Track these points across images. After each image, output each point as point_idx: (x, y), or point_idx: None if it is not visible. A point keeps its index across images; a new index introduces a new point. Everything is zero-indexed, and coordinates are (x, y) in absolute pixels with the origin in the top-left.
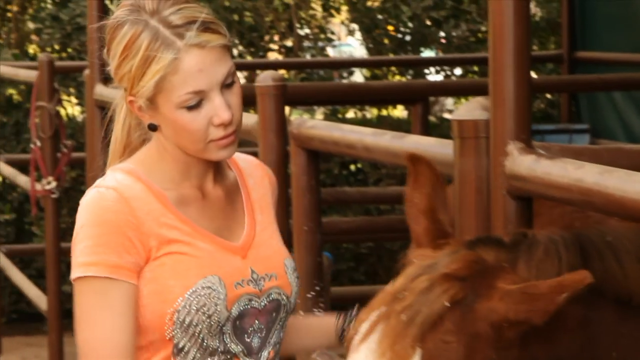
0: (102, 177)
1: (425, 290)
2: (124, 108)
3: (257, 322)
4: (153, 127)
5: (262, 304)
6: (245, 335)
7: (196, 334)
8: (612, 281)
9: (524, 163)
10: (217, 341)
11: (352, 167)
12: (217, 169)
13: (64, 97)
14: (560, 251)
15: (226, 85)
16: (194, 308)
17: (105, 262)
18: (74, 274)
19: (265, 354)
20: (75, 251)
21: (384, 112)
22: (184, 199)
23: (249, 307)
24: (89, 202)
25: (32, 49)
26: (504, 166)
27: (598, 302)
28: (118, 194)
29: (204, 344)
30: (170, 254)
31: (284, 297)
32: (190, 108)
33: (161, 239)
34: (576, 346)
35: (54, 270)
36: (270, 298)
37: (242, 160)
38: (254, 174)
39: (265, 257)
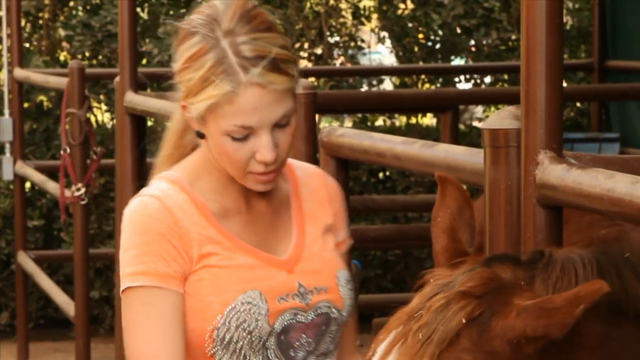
0: (147, 186)
1: (441, 308)
2: (178, 109)
3: (304, 336)
4: (201, 135)
5: (310, 318)
6: (291, 350)
7: (237, 350)
8: (631, 298)
9: (555, 172)
10: (260, 357)
11: (381, 174)
12: None
13: (94, 104)
14: (578, 269)
15: (280, 124)
16: (234, 325)
17: (154, 271)
18: (123, 284)
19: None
20: (122, 261)
21: (413, 120)
22: (227, 211)
23: (294, 321)
24: (132, 211)
25: (62, 55)
26: (534, 175)
27: (617, 319)
28: (161, 203)
29: (246, 359)
30: (210, 267)
31: (335, 311)
32: (236, 139)
33: (202, 251)
34: (596, 358)
35: (82, 276)
36: (319, 312)
37: (301, 169)
38: (310, 184)
39: (315, 271)
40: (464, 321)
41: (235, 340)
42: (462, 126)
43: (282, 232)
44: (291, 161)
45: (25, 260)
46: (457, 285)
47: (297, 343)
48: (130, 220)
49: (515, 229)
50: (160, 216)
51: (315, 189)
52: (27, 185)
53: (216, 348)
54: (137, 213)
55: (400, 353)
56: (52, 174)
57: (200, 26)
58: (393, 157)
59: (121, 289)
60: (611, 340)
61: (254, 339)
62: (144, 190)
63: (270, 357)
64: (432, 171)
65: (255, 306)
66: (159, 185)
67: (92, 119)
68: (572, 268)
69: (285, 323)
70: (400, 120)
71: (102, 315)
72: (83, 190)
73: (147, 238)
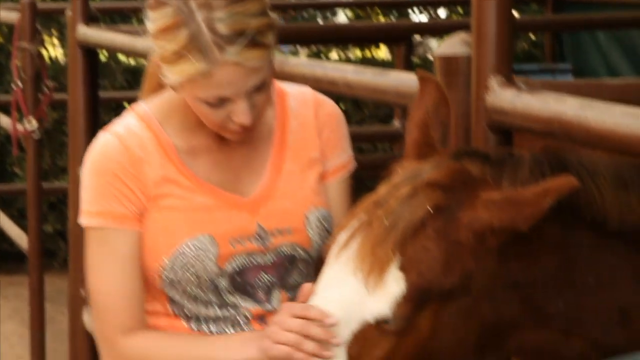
0: (119, 118)
1: (408, 197)
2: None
3: (263, 274)
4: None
5: (269, 259)
6: (249, 287)
7: (185, 290)
8: (590, 204)
9: (505, 97)
10: (211, 295)
11: None
12: None
13: (46, 38)
14: (545, 171)
15: (256, 88)
16: (179, 267)
17: (109, 212)
18: (81, 220)
19: (275, 295)
20: (81, 201)
21: (368, 54)
22: (195, 150)
23: (250, 264)
24: (93, 150)
25: None
26: (484, 100)
27: (575, 224)
28: (121, 143)
29: (197, 298)
30: (163, 208)
31: (300, 252)
32: (211, 105)
33: (158, 192)
34: (552, 267)
35: (35, 210)
36: (281, 254)
37: (294, 97)
38: (301, 115)
39: (282, 211)
40: (430, 210)
41: (182, 282)
42: (416, 59)
43: (256, 169)
44: (285, 88)
45: None
46: (425, 176)
47: (254, 281)
48: (89, 160)
49: None
50: (117, 157)
51: (305, 120)
52: None
53: (165, 286)
54: (95, 152)
55: (365, 238)
56: (4, 109)
57: None
58: (345, 85)
59: (82, 224)
60: (569, 245)
61: (201, 281)
62: (112, 125)
63: (223, 294)
64: (384, 99)
65: (203, 250)
66: (126, 120)
67: (45, 54)
68: (539, 171)
69: (239, 266)
70: (355, 54)
71: (56, 249)
72: (35, 124)
73: (103, 179)
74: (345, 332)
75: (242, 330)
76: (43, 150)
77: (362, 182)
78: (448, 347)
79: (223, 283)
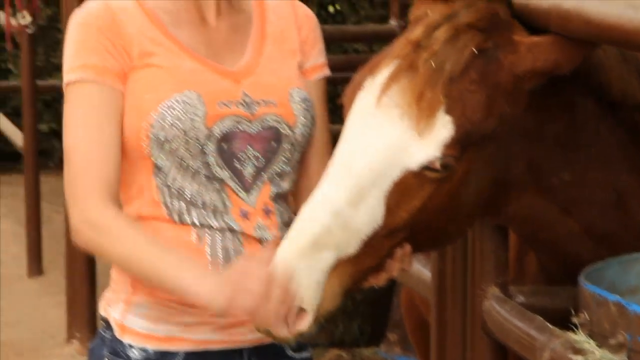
0: None
1: (450, 38)
2: None
3: (249, 147)
4: None
5: (255, 129)
6: (235, 161)
7: (173, 151)
8: (598, 69)
9: None
10: (199, 162)
11: (331, 8)
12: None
13: None
14: None
15: None
16: (168, 122)
17: (89, 64)
18: (64, 81)
19: (259, 184)
20: (64, 59)
21: None
22: (179, 21)
23: (236, 129)
24: (76, 12)
25: None
26: None
27: (584, 90)
28: (104, 3)
29: (184, 163)
30: (149, 66)
31: (285, 127)
32: None
33: (142, 50)
34: (561, 128)
35: (30, 107)
36: (266, 125)
37: None
38: (278, 9)
39: (265, 85)
40: (475, 52)
41: (169, 139)
42: None
43: (237, 49)
44: None
45: None
46: (462, 18)
47: (241, 154)
48: (73, 19)
49: None
50: (100, 14)
51: (283, 14)
52: None
53: (152, 148)
54: (80, 12)
55: (410, 81)
56: None
57: None
58: None
59: (63, 86)
60: (577, 108)
61: (189, 140)
62: None
63: (211, 164)
64: None
65: (191, 106)
66: None
67: None
68: None
69: (226, 129)
70: None
71: (52, 148)
72: (29, 18)
73: (85, 32)
74: (386, 181)
75: (223, 219)
76: (37, 47)
77: None
78: (468, 198)
79: (210, 147)
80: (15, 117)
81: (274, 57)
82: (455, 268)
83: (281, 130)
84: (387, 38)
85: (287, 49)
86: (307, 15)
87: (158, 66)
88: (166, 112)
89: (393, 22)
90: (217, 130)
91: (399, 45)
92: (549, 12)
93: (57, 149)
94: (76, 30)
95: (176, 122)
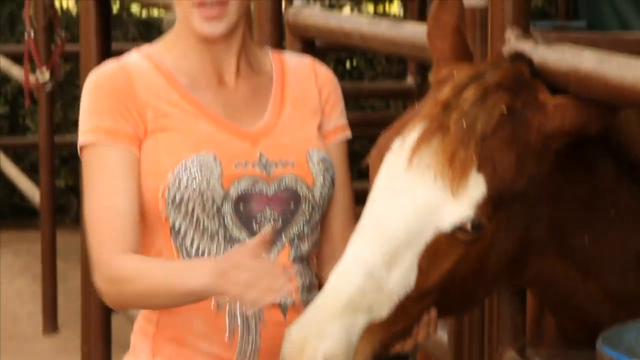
0: None
1: (480, 98)
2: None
3: (267, 209)
4: None
5: (272, 190)
6: (253, 222)
7: (189, 212)
8: (618, 131)
9: (522, 49)
10: (216, 224)
11: (348, 64)
12: (245, 62)
13: None
14: None
15: None
16: (184, 183)
17: (102, 127)
18: (79, 143)
19: (278, 246)
20: (79, 122)
21: (381, 9)
22: (197, 82)
23: (252, 190)
24: (91, 74)
25: None
26: (501, 53)
27: (604, 152)
28: (119, 66)
29: (200, 224)
30: (164, 129)
31: (304, 187)
32: None
33: (158, 113)
34: (582, 191)
35: (47, 164)
36: (284, 186)
37: (292, 59)
38: (298, 71)
39: (283, 145)
40: (505, 111)
41: (186, 200)
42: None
43: (256, 111)
44: (283, 52)
45: None
46: (490, 78)
47: (259, 215)
48: (88, 81)
49: None
50: (115, 76)
51: (304, 75)
52: None
53: (169, 210)
54: (95, 74)
55: (442, 141)
56: (16, 59)
57: None
58: (359, 37)
59: (78, 147)
60: (598, 171)
61: (206, 201)
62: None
63: (228, 225)
64: (398, 51)
65: (207, 166)
66: (126, 56)
67: (57, 4)
68: None
69: (242, 190)
70: (367, 9)
71: (68, 204)
72: (48, 75)
73: (99, 94)
74: (419, 243)
75: None
76: (55, 102)
77: (374, 141)
78: (495, 260)
79: (227, 208)
80: (32, 173)
81: (294, 119)
82: (472, 331)
83: (299, 191)
84: (404, 95)
85: (307, 110)
86: (328, 76)
87: (174, 128)
88: (182, 173)
89: (410, 79)
90: (234, 191)
91: (428, 106)
92: (568, 73)
93: (74, 205)
94: (90, 91)
95: (192, 182)
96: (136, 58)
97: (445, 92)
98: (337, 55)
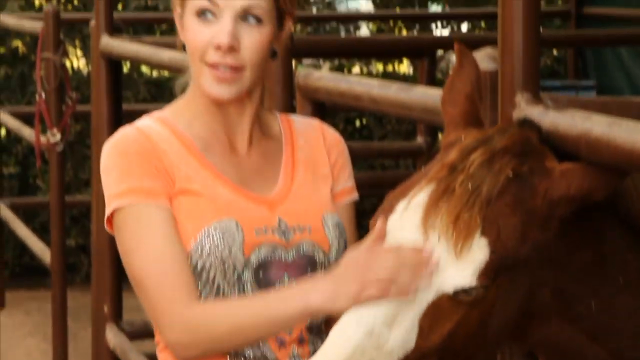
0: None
1: (486, 162)
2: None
3: (286, 276)
4: (184, 47)
5: (291, 257)
6: (272, 289)
7: (210, 281)
8: (626, 196)
9: (532, 114)
10: (236, 290)
11: (357, 123)
12: (258, 128)
13: (70, 49)
14: None
15: (248, 19)
16: (206, 251)
17: (139, 188)
18: (109, 208)
19: None
20: (105, 185)
21: (390, 68)
22: (212, 148)
23: (272, 257)
24: (111, 139)
25: (38, 0)
26: (511, 117)
27: (611, 218)
28: (140, 132)
29: (221, 291)
30: (188, 193)
31: (320, 253)
32: (200, 15)
33: (183, 175)
34: (589, 253)
35: (58, 223)
36: (302, 252)
37: (299, 121)
38: (307, 134)
39: (299, 211)
40: (511, 176)
41: (207, 268)
42: (438, 75)
43: (269, 177)
44: (290, 115)
45: (1, 208)
46: (497, 142)
47: (278, 282)
48: (109, 146)
49: None
50: (139, 140)
51: (312, 138)
52: (2, 132)
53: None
54: (115, 139)
55: (447, 203)
56: (27, 120)
57: None
58: (370, 100)
59: (108, 213)
60: (605, 237)
61: (227, 269)
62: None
63: (247, 293)
64: (409, 114)
65: (229, 234)
66: (140, 121)
67: (68, 64)
68: None
69: (262, 257)
70: (377, 68)
71: (79, 263)
72: (59, 136)
73: (128, 159)
74: (421, 303)
75: (259, 348)
76: (66, 162)
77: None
78: (496, 324)
79: (247, 276)
80: (42, 232)
81: (306, 183)
82: None
83: (316, 257)
84: (414, 155)
85: (319, 174)
86: (336, 138)
87: (196, 193)
88: (205, 240)
89: (420, 139)
90: (254, 259)
91: (434, 169)
92: (579, 139)
93: (85, 264)
94: (115, 157)
95: (214, 250)
96: (150, 123)
97: (452, 155)
98: (347, 114)
